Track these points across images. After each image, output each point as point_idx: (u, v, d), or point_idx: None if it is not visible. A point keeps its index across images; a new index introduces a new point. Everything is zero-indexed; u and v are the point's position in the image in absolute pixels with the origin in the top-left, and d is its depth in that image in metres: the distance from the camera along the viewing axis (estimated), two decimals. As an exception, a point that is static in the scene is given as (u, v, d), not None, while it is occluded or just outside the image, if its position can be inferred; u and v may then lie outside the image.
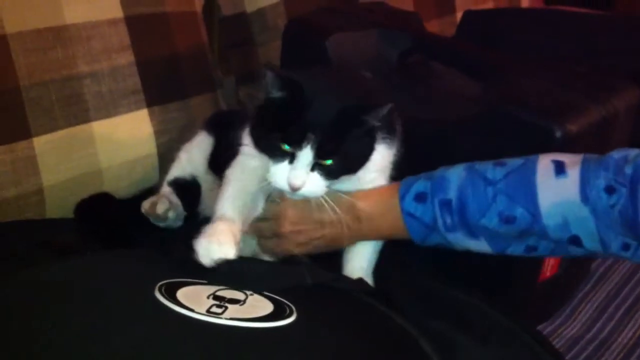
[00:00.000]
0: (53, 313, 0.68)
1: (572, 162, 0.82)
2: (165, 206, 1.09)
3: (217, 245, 0.83)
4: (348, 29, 1.27)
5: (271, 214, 0.98)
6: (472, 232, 0.88)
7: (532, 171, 0.84)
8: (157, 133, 1.27)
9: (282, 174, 0.87)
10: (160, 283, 0.72)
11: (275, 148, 0.87)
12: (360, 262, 0.99)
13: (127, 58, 1.24)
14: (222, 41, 1.57)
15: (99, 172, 1.21)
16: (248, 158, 0.95)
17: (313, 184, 0.87)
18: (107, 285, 0.75)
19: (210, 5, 1.50)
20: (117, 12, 1.22)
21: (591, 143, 1.00)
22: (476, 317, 0.94)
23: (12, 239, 1.05)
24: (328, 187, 0.88)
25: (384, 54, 1.28)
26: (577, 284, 1.23)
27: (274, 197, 0.98)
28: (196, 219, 1.16)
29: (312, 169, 0.86)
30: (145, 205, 1.09)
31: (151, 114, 1.27)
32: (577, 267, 1.21)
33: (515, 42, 1.40)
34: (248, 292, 0.74)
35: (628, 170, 0.78)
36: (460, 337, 0.88)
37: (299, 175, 0.86)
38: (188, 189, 1.16)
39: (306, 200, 0.92)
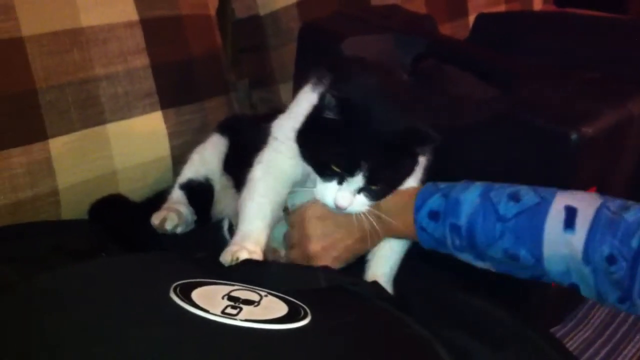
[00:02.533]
0: (69, 316, 0.68)
1: (585, 214, 0.81)
2: (173, 223, 1.11)
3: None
4: (362, 32, 1.27)
5: (296, 239, 0.99)
6: (480, 256, 0.89)
7: (543, 216, 0.83)
8: (171, 135, 1.28)
9: (330, 193, 0.88)
10: (175, 284, 0.72)
11: (325, 167, 0.88)
12: (383, 267, 1.00)
13: (142, 61, 1.25)
14: (236, 44, 1.58)
15: (113, 173, 1.22)
16: (279, 157, 0.96)
17: (358, 205, 0.89)
18: (123, 287, 0.75)
19: (225, 8, 1.50)
20: (133, 15, 1.23)
21: (606, 147, 1.00)
22: (492, 324, 0.94)
23: (28, 241, 1.05)
24: (370, 206, 0.90)
25: (398, 58, 1.28)
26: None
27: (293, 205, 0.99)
28: (208, 221, 1.17)
29: (359, 191, 0.88)
30: (155, 221, 1.10)
31: (165, 116, 1.28)
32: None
33: (529, 45, 1.39)
34: (262, 293, 0.74)
35: (634, 242, 0.77)
36: (475, 345, 0.87)
37: (347, 197, 0.87)
38: (200, 192, 1.17)
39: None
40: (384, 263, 0.99)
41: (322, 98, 0.86)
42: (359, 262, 1.01)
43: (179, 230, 1.12)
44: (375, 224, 0.91)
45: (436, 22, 1.46)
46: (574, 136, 0.95)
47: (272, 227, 0.97)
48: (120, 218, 1.18)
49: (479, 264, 0.91)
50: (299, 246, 0.98)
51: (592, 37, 1.41)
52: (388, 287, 0.97)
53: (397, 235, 0.98)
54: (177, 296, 0.70)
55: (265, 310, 0.70)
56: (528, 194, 0.86)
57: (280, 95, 1.58)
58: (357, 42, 1.24)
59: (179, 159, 1.25)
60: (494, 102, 1.10)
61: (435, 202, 0.91)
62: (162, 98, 1.27)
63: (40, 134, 1.13)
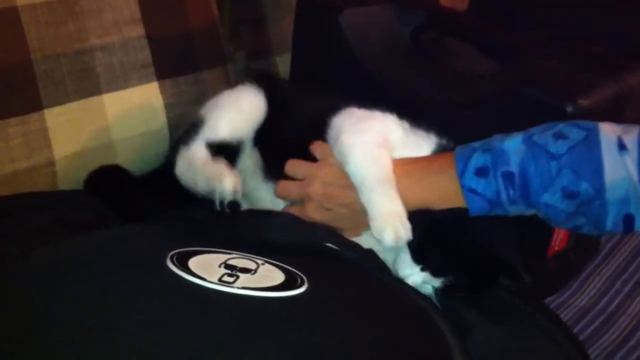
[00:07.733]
0: (67, 289, 0.69)
1: (630, 137, 0.81)
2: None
3: None
4: (361, 4, 1.26)
5: (303, 173, 0.98)
6: (532, 206, 0.87)
7: (597, 144, 0.82)
8: (168, 106, 1.28)
9: (408, 270, 0.90)
10: (172, 253, 0.73)
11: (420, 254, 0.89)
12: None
13: (137, 31, 1.23)
14: (233, 15, 1.57)
15: (110, 144, 1.21)
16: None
17: (414, 279, 0.90)
18: (120, 258, 0.76)
19: (222, -22, 1.49)
20: (128, -16, 1.22)
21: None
22: (490, 298, 0.95)
23: (27, 213, 1.05)
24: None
25: (398, 30, 1.27)
26: (585, 258, 1.23)
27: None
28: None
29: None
30: (235, 186, 0.98)
31: (162, 87, 1.27)
32: (586, 241, 1.21)
33: (529, 16, 1.39)
34: (259, 261, 0.74)
35: None
36: (474, 319, 0.88)
37: (417, 282, 0.89)
38: (227, 157, 1.05)
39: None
40: None
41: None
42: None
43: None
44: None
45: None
46: (569, 108, 0.94)
47: None
48: (117, 189, 1.17)
49: (529, 213, 0.89)
50: (305, 180, 0.97)
51: (595, 8, 1.40)
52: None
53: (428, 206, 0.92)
54: (174, 265, 0.70)
55: (262, 278, 0.71)
56: (572, 130, 0.84)
57: (278, 68, 1.58)
58: (356, 13, 1.24)
59: (176, 130, 1.24)
60: (494, 75, 1.10)
61: (478, 159, 0.87)
62: (158, 69, 1.26)
63: (36, 105, 1.12)
